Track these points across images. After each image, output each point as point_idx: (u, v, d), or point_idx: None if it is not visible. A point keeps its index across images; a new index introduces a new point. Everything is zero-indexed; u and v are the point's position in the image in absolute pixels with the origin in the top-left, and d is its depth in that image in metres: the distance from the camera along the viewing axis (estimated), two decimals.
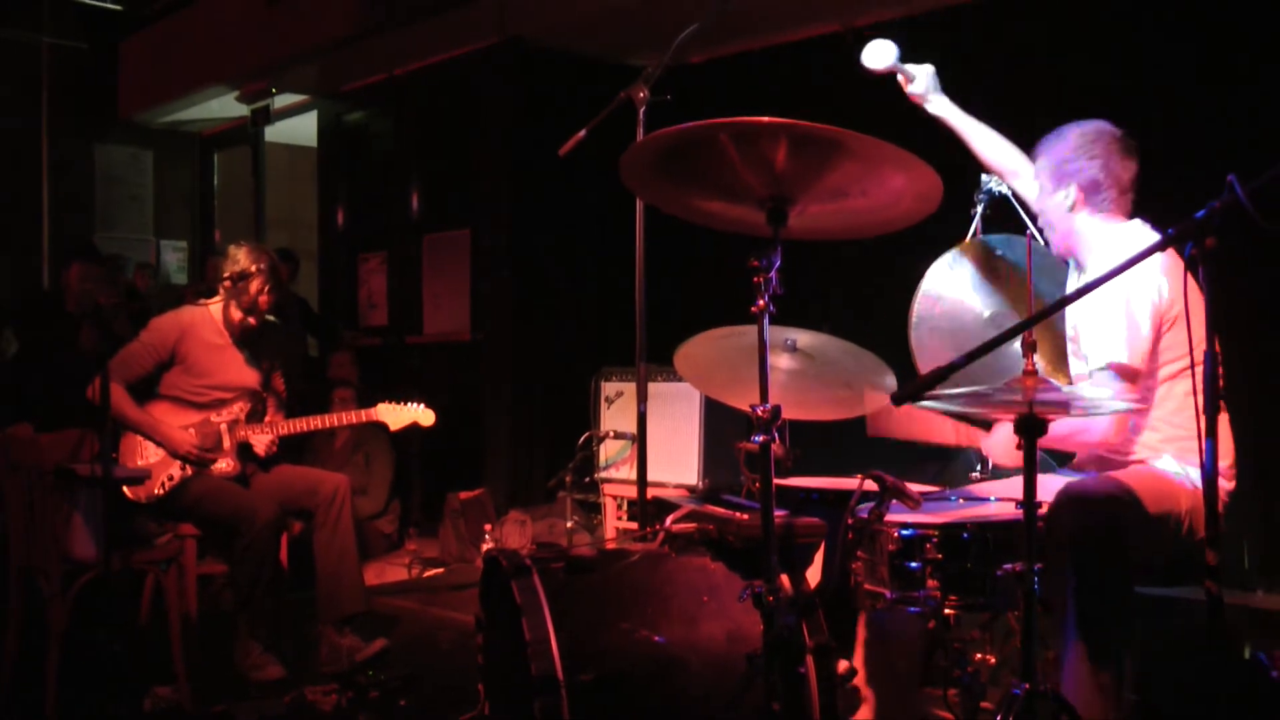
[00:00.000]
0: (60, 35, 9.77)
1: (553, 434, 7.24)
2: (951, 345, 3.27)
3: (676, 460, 5.98)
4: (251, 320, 4.60)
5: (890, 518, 2.62)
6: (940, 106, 3.41)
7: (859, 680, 3.09)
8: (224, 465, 4.56)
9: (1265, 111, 4.76)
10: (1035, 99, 5.23)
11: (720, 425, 5.91)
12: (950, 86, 3.44)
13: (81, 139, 10.01)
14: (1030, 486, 2.35)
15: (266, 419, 4.74)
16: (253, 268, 4.51)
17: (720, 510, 2.72)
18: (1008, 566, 2.48)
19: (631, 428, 5.99)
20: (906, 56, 3.41)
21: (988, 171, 3.48)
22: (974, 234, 3.61)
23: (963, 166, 3.46)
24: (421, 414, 4.84)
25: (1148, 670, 2.97)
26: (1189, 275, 2.63)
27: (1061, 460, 3.27)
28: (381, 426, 4.88)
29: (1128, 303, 2.86)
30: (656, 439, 5.30)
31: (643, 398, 3.76)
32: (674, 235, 3.71)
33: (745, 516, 2.63)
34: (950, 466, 4.44)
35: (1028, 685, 2.31)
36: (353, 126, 9.04)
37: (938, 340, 3.31)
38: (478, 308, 7.79)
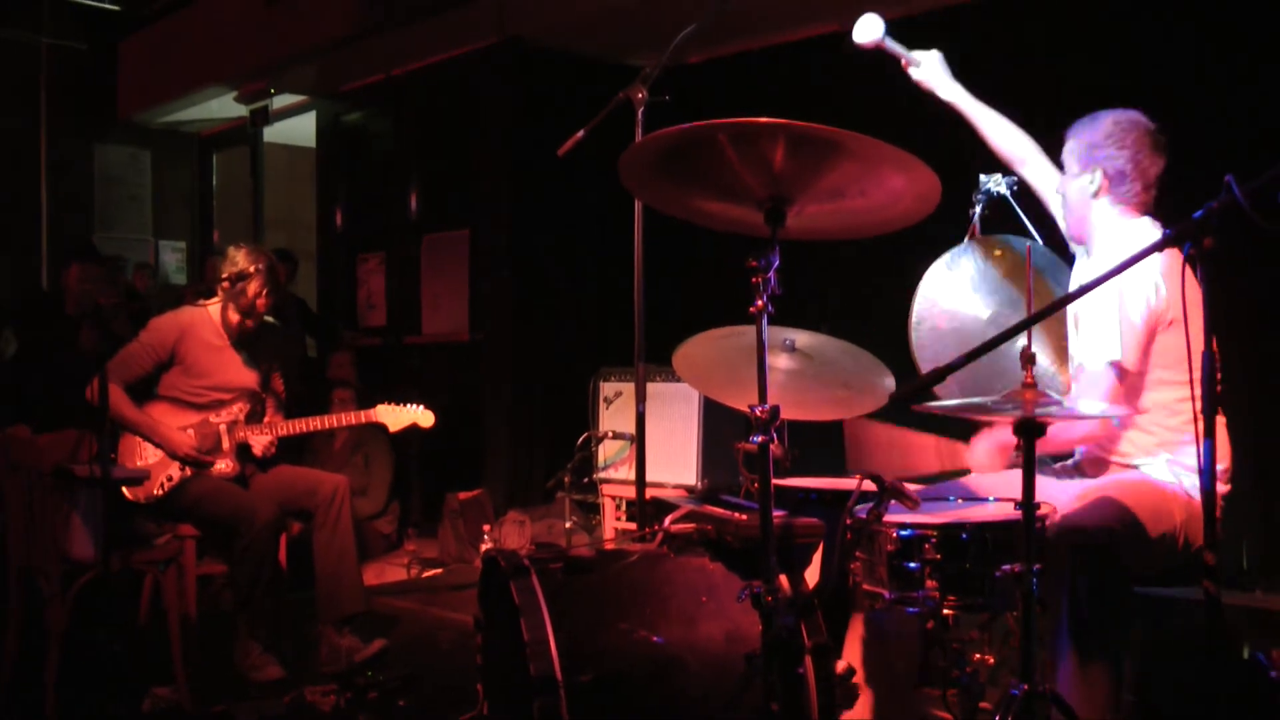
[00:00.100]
0: (59, 35, 9.77)
1: (551, 434, 7.24)
2: (951, 345, 3.28)
3: (675, 460, 5.98)
4: (249, 322, 4.59)
5: (889, 518, 2.62)
6: (951, 92, 3.40)
7: (857, 680, 3.09)
8: (223, 466, 4.56)
9: (1265, 111, 4.76)
10: (1035, 99, 5.21)
11: (719, 425, 5.91)
12: None
13: (80, 139, 10.01)
14: (1029, 487, 2.35)
15: (265, 420, 4.74)
16: (251, 269, 4.50)
17: (719, 510, 2.72)
18: (1006, 567, 2.47)
19: (630, 428, 6.00)
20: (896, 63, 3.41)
21: (997, 159, 3.47)
22: (973, 234, 3.61)
23: (961, 167, 3.46)
24: (421, 415, 4.84)
25: (1147, 670, 2.97)
26: (1188, 276, 2.63)
27: (1056, 458, 3.26)
28: (381, 427, 4.88)
29: (1122, 303, 2.86)
30: (655, 439, 5.31)
31: (641, 398, 3.77)
32: (673, 235, 3.71)
33: (744, 517, 2.63)
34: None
35: (1026, 686, 2.31)
36: (351, 127, 9.04)
37: (938, 340, 3.32)
38: (477, 308, 7.79)
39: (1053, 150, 3.27)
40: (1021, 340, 2.39)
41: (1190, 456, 2.73)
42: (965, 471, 3.27)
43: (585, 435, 6.34)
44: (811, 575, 2.82)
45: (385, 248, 8.58)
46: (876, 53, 3.37)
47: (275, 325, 4.86)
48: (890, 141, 2.28)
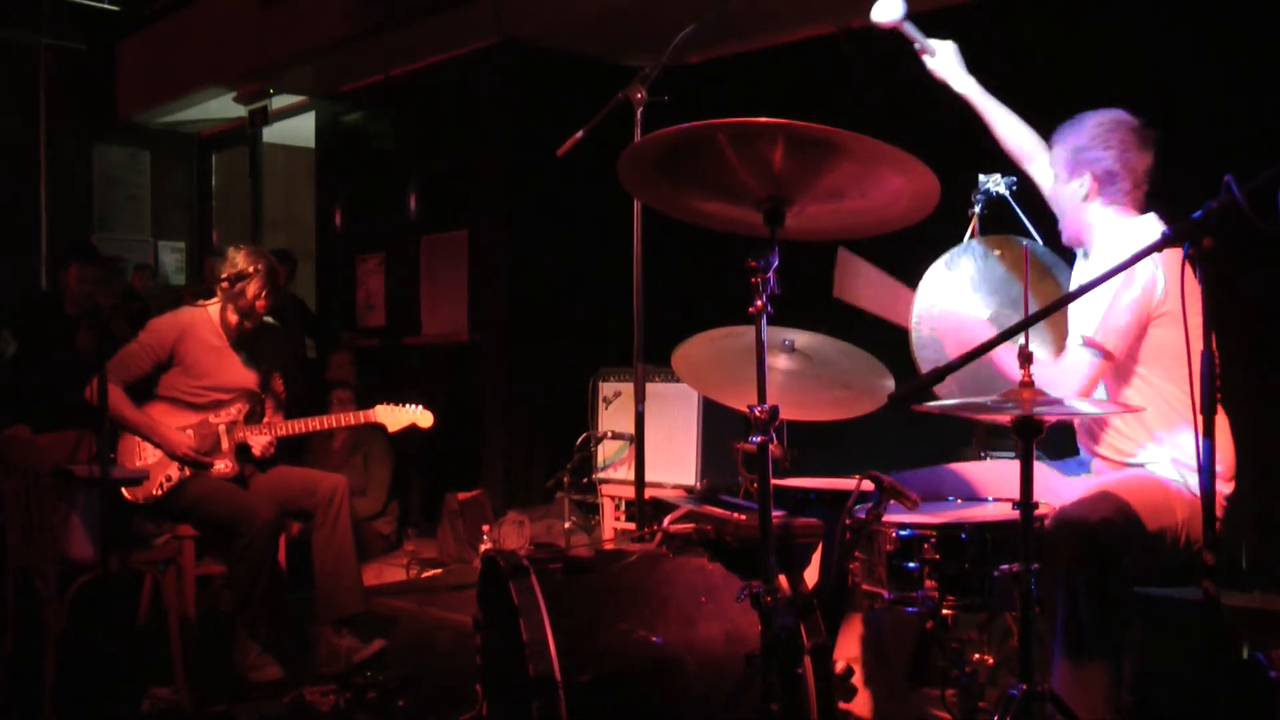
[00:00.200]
0: (58, 36, 9.76)
1: (551, 435, 7.24)
2: (951, 345, 3.27)
3: (674, 461, 5.97)
4: (248, 323, 4.59)
5: (888, 518, 2.62)
6: (965, 85, 3.40)
7: (856, 680, 3.09)
8: (222, 466, 4.56)
9: (1265, 111, 4.76)
10: (1035, 99, 5.22)
11: (718, 426, 5.91)
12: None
13: (80, 139, 10.00)
14: (1027, 487, 2.35)
15: (265, 420, 4.73)
16: (250, 269, 4.50)
17: (718, 511, 2.72)
18: (1005, 567, 2.47)
19: (629, 428, 6.00)
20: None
21: (999, 157, 3.47)
22: (972, 234, 3.62)
23: (960, 167, 3.46)
24: (420, 416, 4.84)
25: (1145, 670, 2.97)
26: (1188, 275, 2.63)
27: (1055, 455, 3.27)
28: (380, 428, 4.87)
29: (1118, 291, 2.85)
30: (654, 440, 5.30)
31: (641, 398, 3.77)
32: (672, 236, 3.71)
33: (743, 517, 2.63)
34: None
35: (1025, 685, 2.31)
36: (350, 127, 9.04)
37: (938, 340, 3.31)
38: (476, 309, 7.79)
39: None
40: (1021, 340, 2.39)
41: (1193, 455, 2.73)
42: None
43: (584, 435, 6.34)
44: (811, 575, 2.82)
45: (384, 248, 8.58)
46: (875, 50, 3.37)
47: (274, 326, 4.86)
48: (889, 142, 2.28)
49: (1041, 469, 3.08)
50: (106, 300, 4.34)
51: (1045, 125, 3.26)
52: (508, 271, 7.52)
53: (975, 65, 3.48)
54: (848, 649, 3.02)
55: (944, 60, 3.39)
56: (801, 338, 3.08)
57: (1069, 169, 3.08)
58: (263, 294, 4.56)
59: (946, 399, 2.76)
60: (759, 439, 2.37)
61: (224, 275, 4.53)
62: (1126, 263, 2.24)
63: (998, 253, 3.50)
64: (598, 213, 6.41)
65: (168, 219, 10.59)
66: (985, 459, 3.93)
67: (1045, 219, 3.43)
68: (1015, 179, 3.49)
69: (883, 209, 2.51)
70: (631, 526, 5.91)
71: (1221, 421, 2.95)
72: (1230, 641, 3.36)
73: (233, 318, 4.59)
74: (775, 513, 2.49)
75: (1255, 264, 4.13)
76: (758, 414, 2.38)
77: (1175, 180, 3.09)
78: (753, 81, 6.92)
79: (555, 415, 7.16)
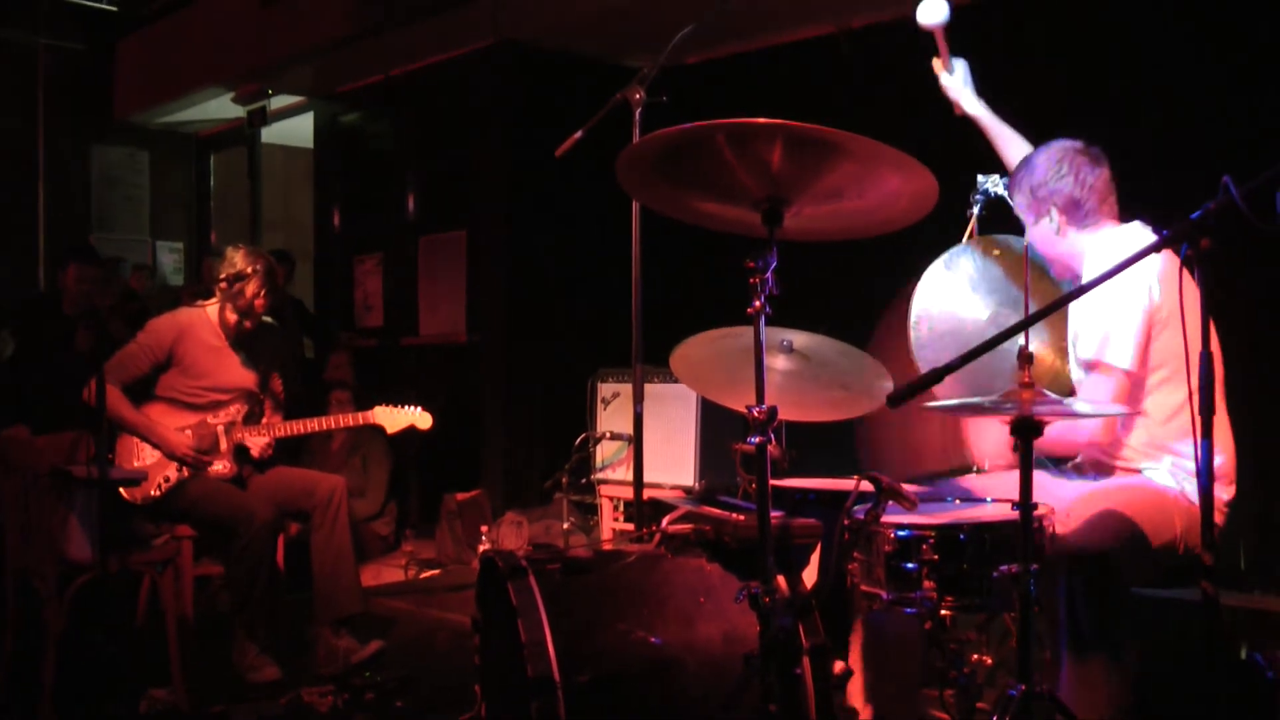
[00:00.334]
0: (57, 36, 9.76)
1: (549, 435, 7.23)
2: (950, 345, 3.27)
3: (673, 461, 5.97)
4: (247, 323, 4.59)
5: (887, 519, 2.62)
6: (975, 107, 3.44)
7: (856, 684, 3.09)
8: (220, 467, 4.56)
9: (1265, 111, 4.76)
10: (1035, 99, 5.22)
11: (717, 426, 5.91)
12: None
13: (78, 140, 9.99)
14: (1026, 487, 2.35)
15: (263, 421, 4.73)
16: (249, 270, 4.50)
17: (716, 511, 2.72)
18: (1004, 568, 2.47)
19: (628, 429, 6.00)
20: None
21: (1005, 170, 3.47)
22: (971, 234, 3.61)
23: (959, 167, 3.46)
24: (419, 417, 4.84)
25: (1144, 671, 2.97)
26: (1186, 279, 2.63)
27: (1055, 463, 3.27)
28: (378, 428, 4.87)
29: (1119, 305, 2.86)
30: (653, 440, 5.29)
31: (639, 399, 3.76)
32: (670, 236, 3.71)
33: (741, 517, 2.63)
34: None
35: (1024, 686, 2.31)
36: (349, 128, 9.04)
37: (936, 340, 3.31)
38: (474, 309, 7.79)
39: None
40: (1020, 340, 2.39)
41: (1192, 460, 2.73)
42: (969, 469, 3.28)
43: (583, 436, 6.34)
44: (809, 576, 2.82)
45: (383, 248, 8.58)
46: (875, 50, 3.38)
47: (273, 326, 4.85)
48: (888, 142, 2.28)
49: (1040, 474, 3.08)
50: (104, 301, 4.33)
51: (1046, 126, 3.26)
52: (506, 272, 7.51)
53: (975, 66, 3.48)
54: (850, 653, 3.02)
55: (959, 80, 3.41)
56: (800, 338, 3.08)
57: (1033, 210, 3.12)
58: (261, 294, 4.56)
59: (946, 399, 2.75)
60: (757, 439, 2.37)
61: (222, 275, 4.53)
62: (1126, 262, 2.23)
63: (996, 253, 3.50)
64: (596, 213, 6.41)
65: (166, 219, 10.59)
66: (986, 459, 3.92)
67: None
68: None
69: (881, 209, 2.51)
70: (630, 527, 5.91)
71: (1223, 426, 2.96)
72: (1229, 642, 3.36)
73: (231, 318, 4.59)
74: (774, 513, 2.49)
75: (1254, 264, 4.13)
76: (756, 414, 2.37)
77: (1175, 180, 3.09)
78: (751, 82, 6.92)
79: (554, 416, 7.16)
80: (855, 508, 2.62)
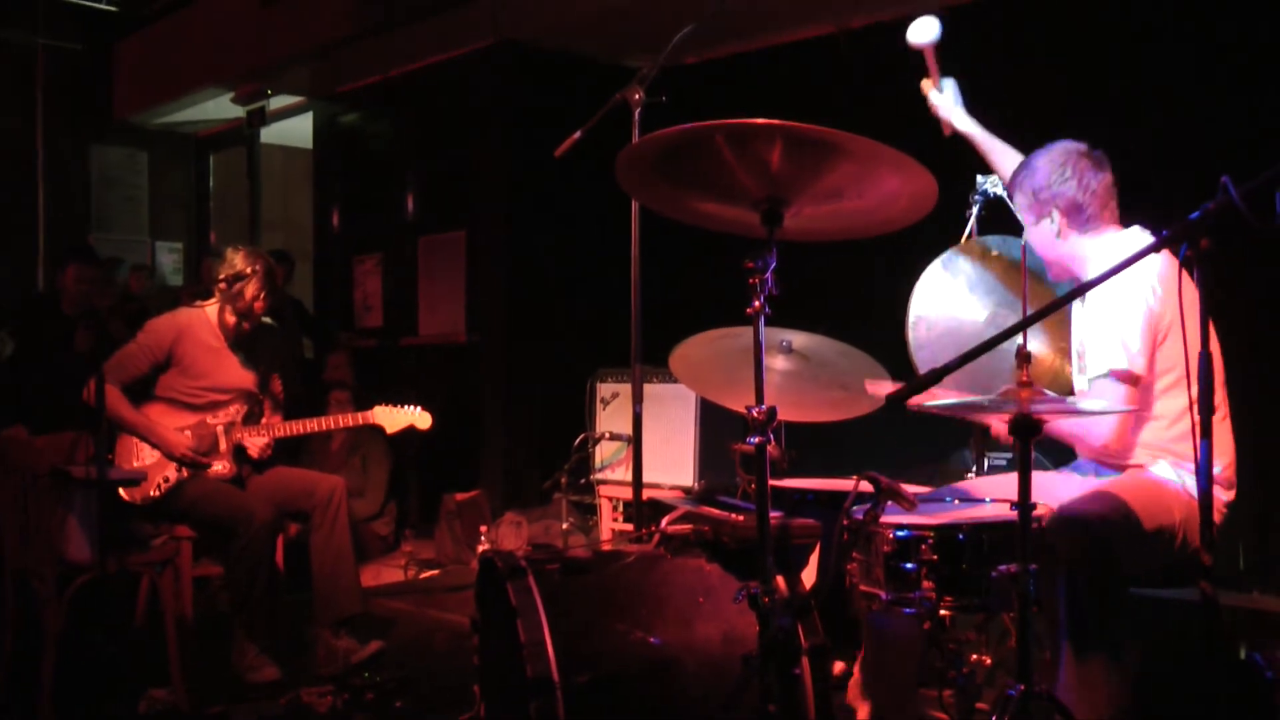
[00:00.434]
0: (56, 36, 9.75)
1: (548, 435, 7.23)
2: (949, 345, 3.28)
3: (672, 462, 5.97)
4: (246, 323, 4.59)
5: (885, 519, 2.62)
6: (966, 124, 3.43)
7: (856, 684, 3.09)
8: (220, 467, 4.55)
9: (1265, 111, 4.76)
10: (1035, 99, 5.23)
11: (716, 427, 5.91)
12: None
13: (77, 140, 9.99)
14: (1025, 487, 2.35)
15: (263, 421, 4.73)
16: (248, 270, 4.50)
17: (716, 511, 2.72)
18: (1003, 568, 2.47)
19: (627, 429, 5.99)
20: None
21: (994, 174, 3.48)
22: (970, 235, 3.62)
23: (958, 168, 3.46)
24: (418, 417, 4.83)
25: (1143, 671, 2.97)
26: (1185, 281, 2.63)
27: (1059, 460, 3.27)
28: (378, 429, 4.87)
29: (1122, 310, 2.86)
30: (652, 440, 5.30)
31: (638, 399, 3.76)
32: (670, 237, 3.71)
33: (740, 518, 2.63)
34: (945, 468, 4.44)
35: (1023, 686, 2.31)
36: (348, 128, 9.04)
37: (936, 340, 3.32)
38: (473, 310, 7.79)
39: None
40: (1019, 340, 2.39)
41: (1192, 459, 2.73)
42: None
43: (582, 436, 6.34)
44: (808, 576, 2.82)
45: (382, 249, 8.58)
46: (874, 50, 3.38)
47: (272, 326, 4.85)
48: (887, 143, 2.28)
49: (1039, 474, 3.08)
50: (104, 301, 4.33)
51: (1046, 126, 3.26)
52: (506, 272, 7.51)
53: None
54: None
55: (949, 99, 3.40)
56: (799, 339, 3.08)
57: (1034, 211, 3.09)
58: (261, 295, 4.56)
59: (944, 399, 2.76)
60: (757, 440, 2.37)
61: (222, 276, 4.53)
62: (1126, 263, 2.23)
63: (995, 254, 3.50)
64: (596, 213, 6.41)
65: (165, 219, 10.59)
66: (984, 460, 3.93)
67: None
68: None
69: (880, 209, 2.51)
70: (629, 527, 5.90)
71: (1224, 431, 2.96)
72: (1228, 642, 3.36)
73: (230, 318, 4.59)
74: (773, 513, 2.49)
75: (1254, 264, 4.13)
76: (755, 415, 2.37)
77: (1175, 181, 3.09)
78: (751, 82, 6.92)
79: (553, 416, 7.15)
80: (854, 508, 2.62)
